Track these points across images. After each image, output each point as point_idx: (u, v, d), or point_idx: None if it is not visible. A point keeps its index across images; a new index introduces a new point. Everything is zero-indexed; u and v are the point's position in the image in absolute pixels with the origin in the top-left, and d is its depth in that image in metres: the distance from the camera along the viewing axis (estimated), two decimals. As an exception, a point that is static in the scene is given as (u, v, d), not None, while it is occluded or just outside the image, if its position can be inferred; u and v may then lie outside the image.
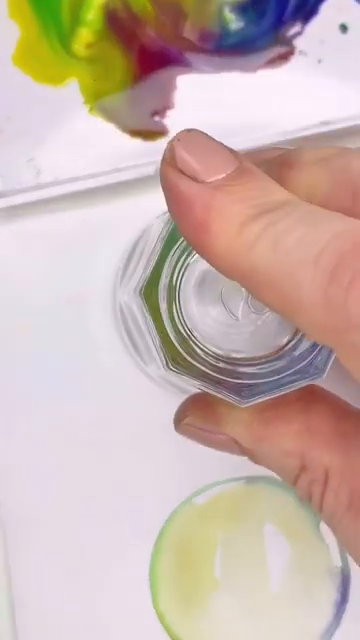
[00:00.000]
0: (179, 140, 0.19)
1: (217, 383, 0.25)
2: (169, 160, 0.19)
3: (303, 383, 0.24)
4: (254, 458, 0.26)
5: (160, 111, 0.34)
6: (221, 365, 0.26)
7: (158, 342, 0.25)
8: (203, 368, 0.26)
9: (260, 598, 0.35)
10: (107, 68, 0.34)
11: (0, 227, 0.34)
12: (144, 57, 0.34)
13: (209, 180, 0.18)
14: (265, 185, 0.19)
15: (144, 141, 0.34)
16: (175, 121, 0.34)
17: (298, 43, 0.34)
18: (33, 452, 0.34)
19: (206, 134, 0.20)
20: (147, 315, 0.25)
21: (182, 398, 0.32)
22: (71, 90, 0.34)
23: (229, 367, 0.26)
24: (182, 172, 0.18)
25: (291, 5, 0.34)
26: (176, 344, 0.26)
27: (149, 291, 0.26)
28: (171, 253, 0.26)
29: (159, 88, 0.34)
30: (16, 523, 0.34)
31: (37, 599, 0.34)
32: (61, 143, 0.34)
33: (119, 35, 0.34)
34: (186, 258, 0.26)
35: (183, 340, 0.26)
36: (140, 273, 0.26)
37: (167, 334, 0.26)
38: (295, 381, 0.24)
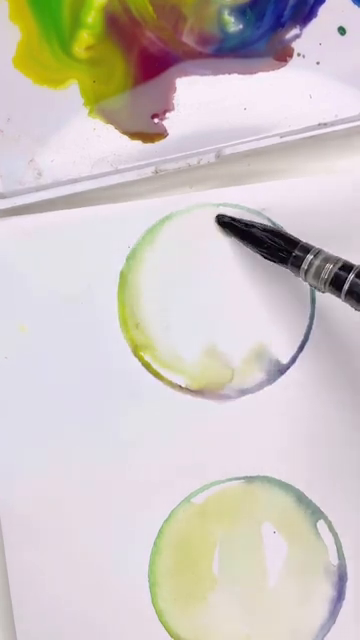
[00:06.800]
0: None
1: None
2: None
3: None
4: None
5: (160, 113, 0.34)
6: None
7: None
8: None
9: (258, 595, 0.35)
10: (107, 70, 0.34)
11: (1, 227, 0.34)
12: (144, 60, 0.34)
13: None
14: None
15: (143, 143, 0.34)
16: (174, 123, 0.34)
17: (297, 45, 0.34)
18: (33, 452, 0.35)
19: None
20: None
21: (182, 399, 0.32)
22: (71, 92, 0.34)
23: None
24: None
25: (289, 8, 0.34)
26: None
27: None
28: None
29: (159, 90, 0.34)
30: (15, 522, 0.35)
31: (36, 597, 0.35)
32: (61, 145, 0.34)
33: (119, 38, 0.34)
34: None
35: None
36: None
37: None
38: None
